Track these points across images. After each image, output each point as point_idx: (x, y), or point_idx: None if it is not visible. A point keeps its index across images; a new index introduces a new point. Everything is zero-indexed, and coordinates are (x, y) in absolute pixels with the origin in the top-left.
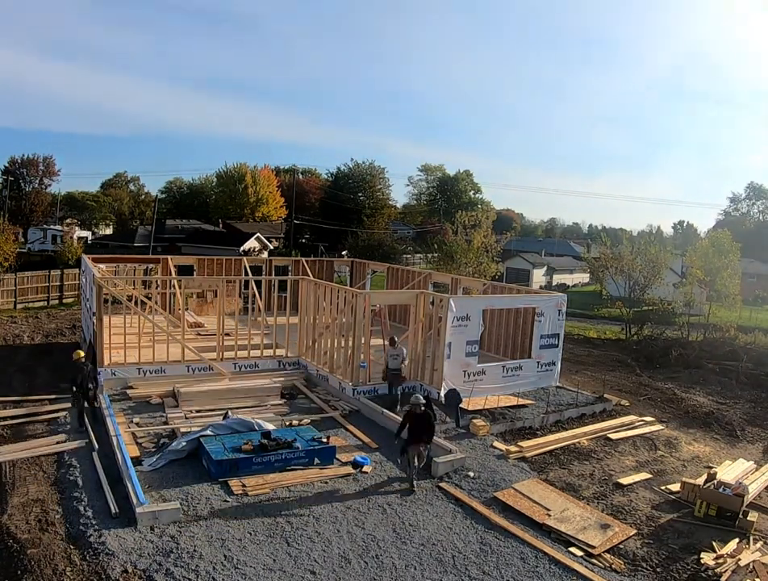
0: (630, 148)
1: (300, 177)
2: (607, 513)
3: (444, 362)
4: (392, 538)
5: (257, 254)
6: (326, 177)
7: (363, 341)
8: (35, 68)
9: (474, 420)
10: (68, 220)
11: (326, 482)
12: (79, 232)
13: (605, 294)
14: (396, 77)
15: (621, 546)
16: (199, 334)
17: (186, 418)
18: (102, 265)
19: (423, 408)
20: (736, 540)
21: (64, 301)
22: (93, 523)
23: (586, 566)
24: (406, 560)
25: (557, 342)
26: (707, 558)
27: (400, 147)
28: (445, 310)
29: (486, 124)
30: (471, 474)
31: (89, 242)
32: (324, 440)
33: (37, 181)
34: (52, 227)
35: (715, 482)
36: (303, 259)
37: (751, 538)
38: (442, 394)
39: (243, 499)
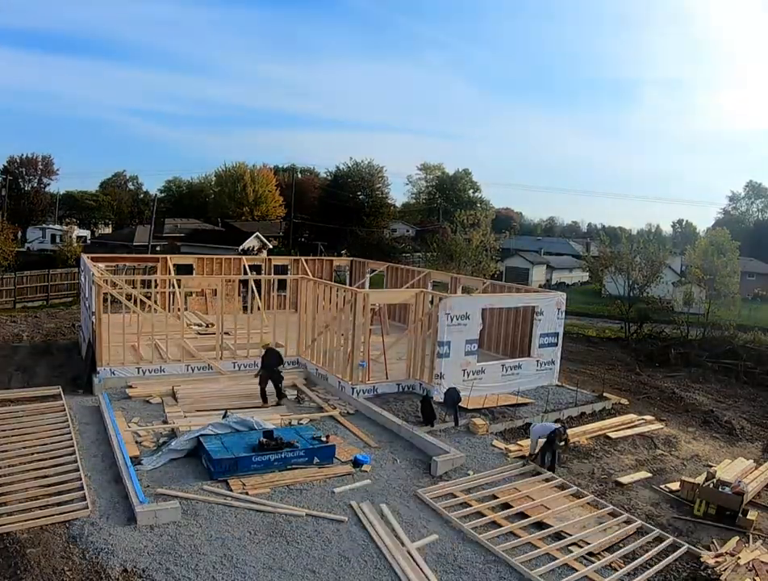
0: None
1: (299, 176)
2: (606, 512)
3: (442, 361)
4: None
5: (257, 253)
6: (325, 176)
7: (362, 340)
8: None
9: (474, 419)
10: (67, 220)
11: (326, 481)
12: (78, 232)
13: (604, 292)
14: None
15: (621, 545)
16: (199, 333)
17: (186, 417)
18: (101, 265)
19: None
20: (736, 538)
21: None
22: (93, 522)
23: (585, 565)
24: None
25: (556, 341)
26: (706, 557)
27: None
28: (440, 309)
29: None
30: (471, 472)
31: (88, 241)
32: (324, 439)
33: (36, 181)
34: (51, 226)
35: (715, 480)
36: (303, 258)
37: (751, 537)
38: (436, 394)
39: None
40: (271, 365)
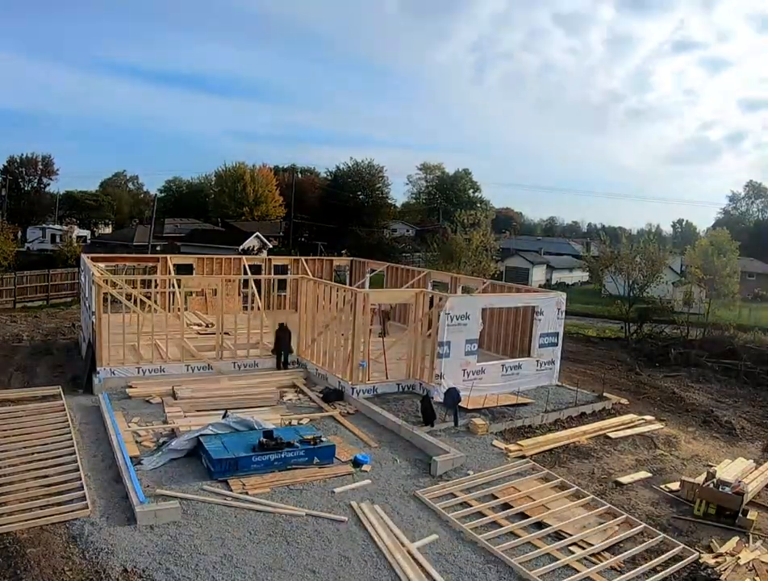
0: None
1: (299, 176)
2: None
3: (442, 361)
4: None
5: (257, 253)
6: (325, 176)
7: (362, 340)
8: None
9: (474, 419)
10: (67, 220)
11: (326, 481)
12: (78, 231)
13: (603, 292)
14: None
15: (621, 545)
16: (199, 333)
17: (186, 417)
18: (101, 265)
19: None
20: (736, 538)
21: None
22: (93, 522)
23: (585, 565)
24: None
25: (556, 341)
26: (706, 557)
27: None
28: (439, 309)
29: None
30: (470, 472)
31: (88, 241)
32: (324, 439)
33: (36, 181)
34: (51, 226)
35: (715, 480)
36: (303, 258)
37: (751, 537)
38: (436, 394)
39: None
40: (284, 339)
